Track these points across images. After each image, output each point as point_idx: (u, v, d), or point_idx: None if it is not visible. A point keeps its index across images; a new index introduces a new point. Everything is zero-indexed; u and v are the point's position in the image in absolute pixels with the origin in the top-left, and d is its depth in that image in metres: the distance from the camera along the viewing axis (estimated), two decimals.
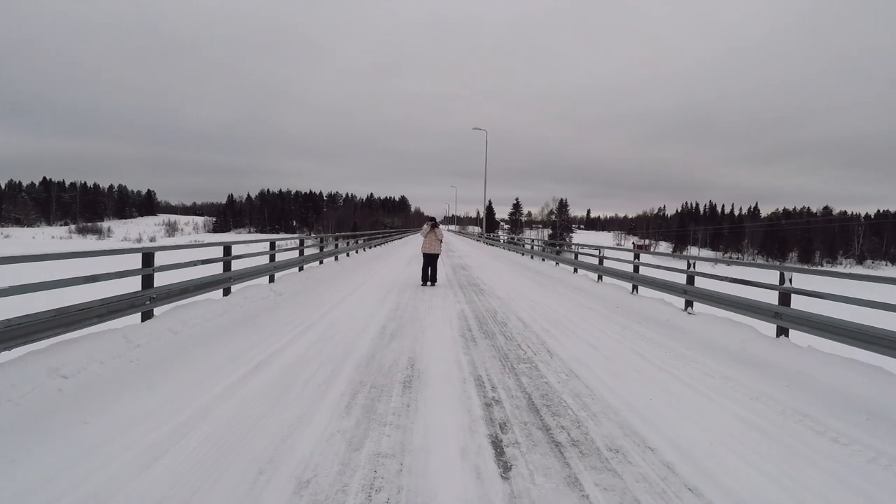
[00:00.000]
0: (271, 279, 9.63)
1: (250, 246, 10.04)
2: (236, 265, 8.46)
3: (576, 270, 14.04)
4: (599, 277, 11.92)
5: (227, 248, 7.79)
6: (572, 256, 14.73)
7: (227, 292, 7.68)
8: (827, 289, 5.52)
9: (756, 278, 6.78)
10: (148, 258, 5.64)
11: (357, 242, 20.95)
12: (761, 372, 4.97)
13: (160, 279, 6.01)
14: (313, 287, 10.20)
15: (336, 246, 16.02)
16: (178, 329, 5.75)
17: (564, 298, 9.83)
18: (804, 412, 3.87)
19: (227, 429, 3.30)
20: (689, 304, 7.84)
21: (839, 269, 73.53)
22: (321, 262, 13.75)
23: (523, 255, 23.55)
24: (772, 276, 6.31)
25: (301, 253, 11.82)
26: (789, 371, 4.96)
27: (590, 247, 14.03)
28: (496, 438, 3.29)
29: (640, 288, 9.98)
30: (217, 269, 7.73)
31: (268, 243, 9.85)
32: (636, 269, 10.04)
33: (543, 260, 19.17)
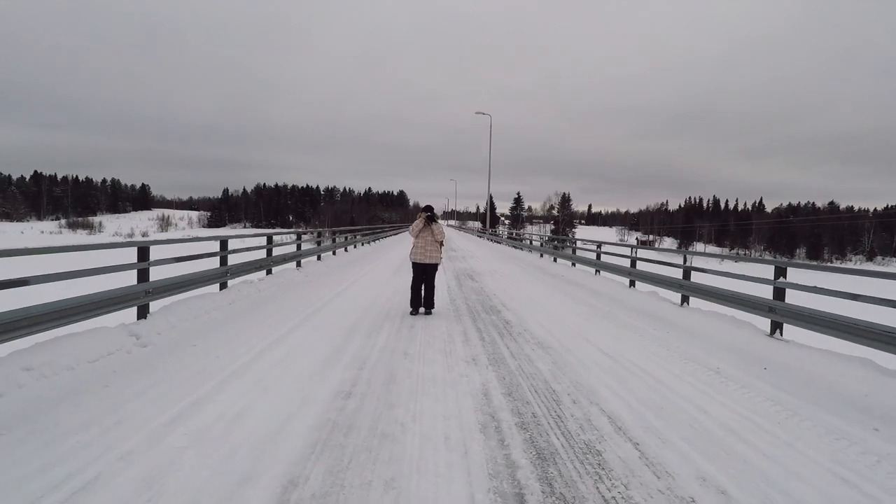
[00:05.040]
0: (142, 312, 5.48)
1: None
2: (52, 292, 4.34)
3: (633, 284, 9.88)
4: (685, 300, 7.77)
5: None
6: (627, 264, 10.50)
7: None
8: None
9: None
10: None
11: (335, 241, 16.65)
12: None
13: None
14: (226, 323, 6.04)
15: (298, 248, 11.76)
16: None
17: (652, 343, 5.68)
18: None
19: None
20: None
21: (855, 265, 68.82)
22: (269, 272, 9.58)
23: (542, 255, 19.37)
24: None
25: (223, 262, 7.58)
26: None
27: (659, 250, 9.86)
28: None
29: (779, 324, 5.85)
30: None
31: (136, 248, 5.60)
32: (779, 292, 5.87)
33: (574, 265, 14.95)
